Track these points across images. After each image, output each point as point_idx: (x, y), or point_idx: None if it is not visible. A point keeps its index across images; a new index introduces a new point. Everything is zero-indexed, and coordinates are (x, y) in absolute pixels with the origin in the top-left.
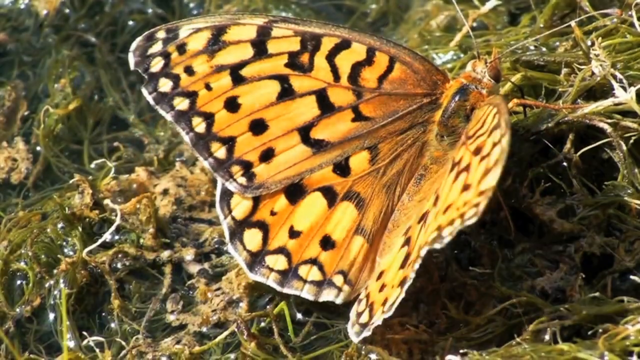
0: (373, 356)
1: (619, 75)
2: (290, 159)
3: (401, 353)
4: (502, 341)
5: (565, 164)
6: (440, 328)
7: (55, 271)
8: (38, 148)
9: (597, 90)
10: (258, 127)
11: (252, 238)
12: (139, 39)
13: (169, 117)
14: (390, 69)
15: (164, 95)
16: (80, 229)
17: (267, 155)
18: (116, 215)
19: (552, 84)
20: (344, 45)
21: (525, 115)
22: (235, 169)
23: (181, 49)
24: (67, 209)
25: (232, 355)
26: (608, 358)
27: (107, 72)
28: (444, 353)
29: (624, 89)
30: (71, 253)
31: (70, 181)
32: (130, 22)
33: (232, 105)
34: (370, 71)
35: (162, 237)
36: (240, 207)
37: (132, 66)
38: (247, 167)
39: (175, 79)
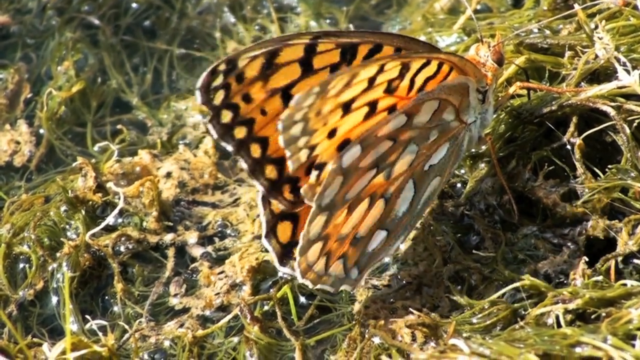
0: (376, 340)
1: (623, 58)
2: None
3: (404, 337)
4: (506, 325)
5: (568, 147)
6: (444, 312)
7: (58, 254)
8: (41, 131)
9: (601, 73)
10: None
11: (284, 230)
12: (203, 76)
13: (230, 147)
14: None
15: (226, 126)
16: (83, 212)
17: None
18: (119, 199)
19: (556, 66)
20: (376, 49)
21: (529, 98)
22: (285, 187)
23: (239, 78)
24: (70, 192)
25: (235, 339)
26: (611, 342)
27: (111, 54)
28: (447, 337)
29: (628, 72)
30: (74, 236)
31: (73, 164)
32: (134, 5)
33: None
34: None
35: (165, 220)
36: None
37: (198, 102)
38: (295, 183)
39: (235, 108)
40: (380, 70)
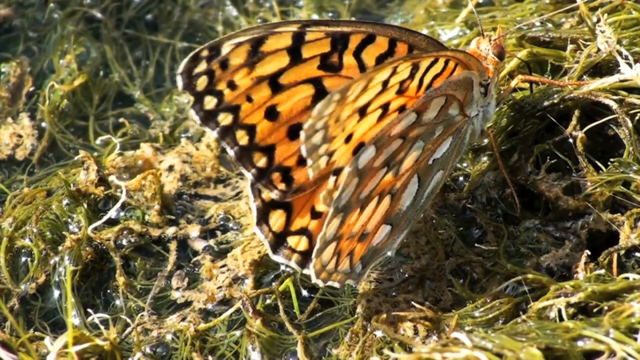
0: (378, 333)
1: (625, 52)
2: None
3: (406, 330)
4: (508, 318)
5: (570, 140)
6: (446, 305)
7: (60, 248)
8: (43, 124)
9: (603, 67)
10: (295, 132)
11: (277, 219)
12: (185, 61)
13: (214, 134)
14: None
15: (209, 112)
16: (85, 205)
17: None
18: (121, 192)
19: (558, 60)
20: (369, 40)
21: (531, 91)
22: (275, 175)
23: (223, 65)
24: (72, 185)
25: (238, 333)
26: (613, 335)
27: (113, 48)
28: (449, 330)
29: (630, 65)
30: (76, 230)
31: (76, 157)
32: None
33: (272, 114)
34: None
35: (167, 214)
36: None
37: (180, 88)
38: (286, 172)
39: (219, 95)
40: (393, 72)
